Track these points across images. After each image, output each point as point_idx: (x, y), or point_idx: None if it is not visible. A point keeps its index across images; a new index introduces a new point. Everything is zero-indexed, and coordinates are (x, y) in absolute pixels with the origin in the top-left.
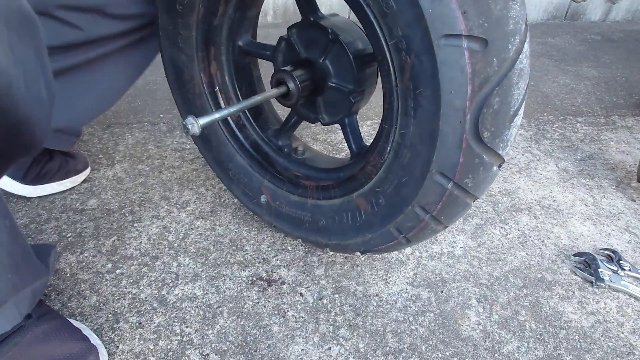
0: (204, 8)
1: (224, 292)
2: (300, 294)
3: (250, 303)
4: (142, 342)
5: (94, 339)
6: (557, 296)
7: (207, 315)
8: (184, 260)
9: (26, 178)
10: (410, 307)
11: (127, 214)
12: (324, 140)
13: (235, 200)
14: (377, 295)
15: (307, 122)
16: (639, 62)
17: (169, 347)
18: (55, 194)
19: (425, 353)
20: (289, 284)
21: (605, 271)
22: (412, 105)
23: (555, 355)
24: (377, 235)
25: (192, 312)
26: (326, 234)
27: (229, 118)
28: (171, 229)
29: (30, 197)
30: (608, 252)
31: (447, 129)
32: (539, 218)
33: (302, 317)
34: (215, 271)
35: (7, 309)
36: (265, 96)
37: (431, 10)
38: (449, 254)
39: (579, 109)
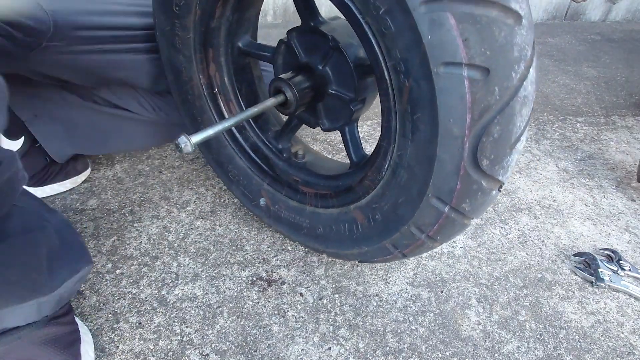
0: (201, 10)
1: (224, 292)
2: (300, 294)
3: (250, 303)
4: (142, 342)
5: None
6: (557, 296)
7: (207, 315)
8: (184, 260)
9: None
10: (410, 307)
11: (127, 214)
12: (324, 140)
13: (235, 200)
14: (377, 295)
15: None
16: (639, 62)
17: (169, 347)
18: (55, 194)
19: (425, 353)
20: (289, 284)
21: (605, 271)
22: (409, 128)
23: (555, 355)
24: (373, 249)
25: (192, 312)
26: (323, 241)
27: None
28: (171, 229)
29: None
30: (608, 252)
31: (444, 156)
32: (539, 218)
33: (302, 317)
34: (215, 271)
35: (28, 307)
36: (262, 107)
37: (430, 37)
38: (449, 254)
39: (578, 109)
